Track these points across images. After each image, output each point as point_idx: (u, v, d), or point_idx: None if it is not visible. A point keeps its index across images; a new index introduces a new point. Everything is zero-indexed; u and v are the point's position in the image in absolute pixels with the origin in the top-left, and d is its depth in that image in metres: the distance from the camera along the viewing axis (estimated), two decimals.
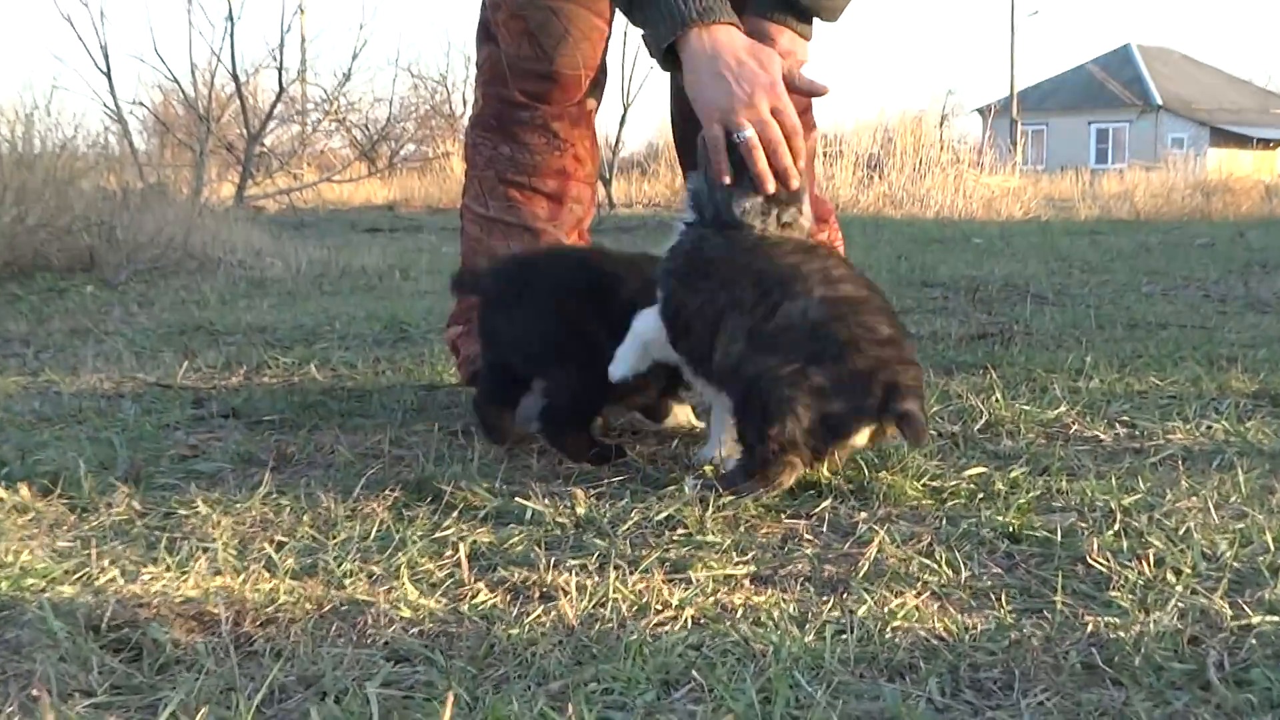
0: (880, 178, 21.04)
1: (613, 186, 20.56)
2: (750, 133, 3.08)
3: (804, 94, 3.42)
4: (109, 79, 17.53)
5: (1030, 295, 7.20)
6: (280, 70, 19.31)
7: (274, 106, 20.02)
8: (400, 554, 2.49)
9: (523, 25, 3.82)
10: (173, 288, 7.93)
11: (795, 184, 3.07)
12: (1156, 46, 67.34)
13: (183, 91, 18.95)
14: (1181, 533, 2.58)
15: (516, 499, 2.85)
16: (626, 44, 22.28)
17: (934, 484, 2.97)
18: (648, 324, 3.05)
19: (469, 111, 4.14)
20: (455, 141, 29.59)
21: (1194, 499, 2.84)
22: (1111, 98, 62.84)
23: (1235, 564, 2.41)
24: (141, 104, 21.29)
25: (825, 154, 21.48)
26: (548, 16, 3.79)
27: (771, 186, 3.05)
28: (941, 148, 22.33)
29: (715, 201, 3.05)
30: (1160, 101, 61.15)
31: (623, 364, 3.09)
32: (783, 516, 2.77)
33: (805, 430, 2.77)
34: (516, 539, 2.60)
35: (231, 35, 20.21)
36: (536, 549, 2.54)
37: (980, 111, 53.43)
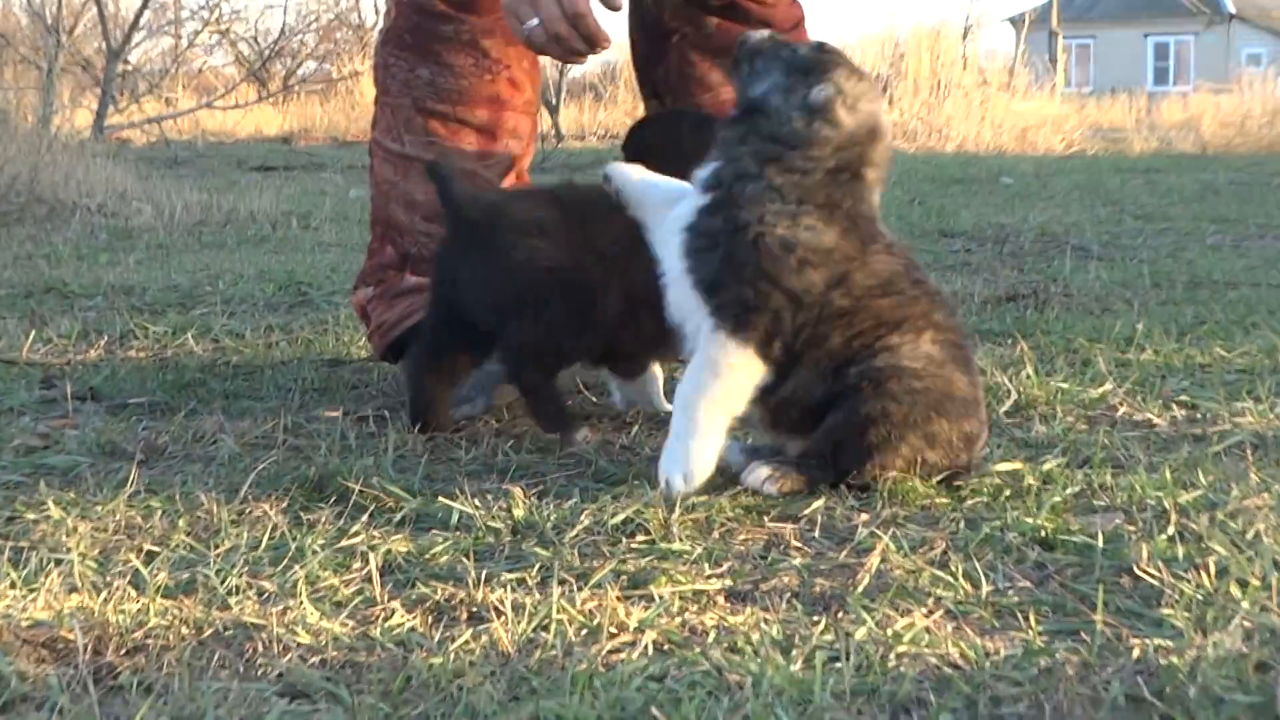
0: (890, 104, 21.05)
1: (560, 115, 20.54)
2: (534, 21, 3.36)
3: None
4: None
5: (1071, 248, 7.25)
6: None
7: (139, 14, 19.95)
8: (298, 566, 2.50)
9: None
10: (16, 239, 7.91)
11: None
12: None
13: None
14: (1249, 537, 2.61)
15: (440, 499, 2.87)
16: None
17: (951, 480, 2.99)
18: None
19: (380, 23, 4.11)
20: (365, 59, 29.45)
21: (1265, 496, 2.87)
22: (1173, 4, 63.05)
23: None
24: None
25: None
26: None
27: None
28: (964, 66, 22.37)
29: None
30: (1232, 8, 61.41)
31: (703, 461, 2.95)
32: (765, 519, 2.80)
33: (898, 467, 2.95)
34: (440, 548, 2.62)
35: None
36: (464, 560, 2.56)
37: (1012, 22, 53.53)
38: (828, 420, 2.94)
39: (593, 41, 3.41)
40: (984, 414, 3.04)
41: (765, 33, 3.11)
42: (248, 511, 2.84)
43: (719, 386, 2.91)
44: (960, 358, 3.00)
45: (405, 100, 3.89)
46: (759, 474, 2.97)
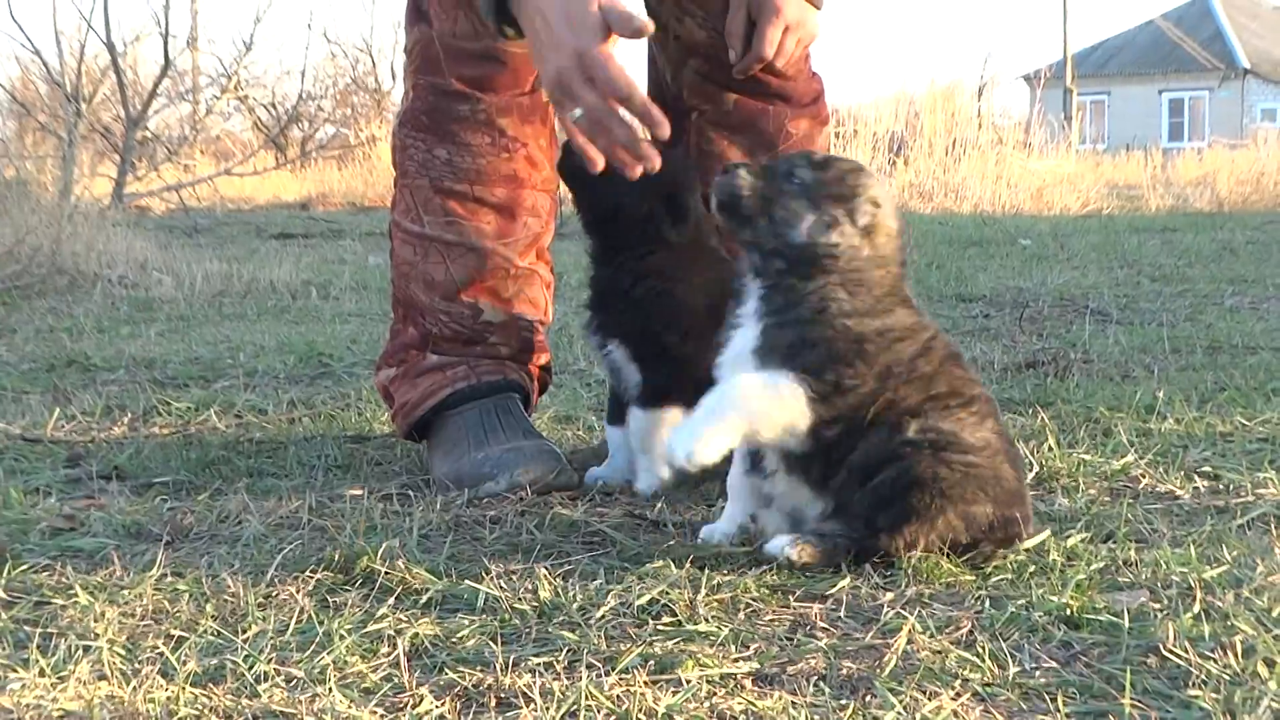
0: (905, 164, 21.11)
1: None
2: (579, 112, 3.31)
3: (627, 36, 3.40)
4: None
5: (1090, 312, 7.27)
6: (166, 38, 19.35)
7: (159, 82, 20.06)
8: (326, 652, 2.51)
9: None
10: (38, 311, 7.96)
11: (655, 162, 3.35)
12: None
13: (45, 64, 18.98)
14: (1275, 614, 2.62)
15: (466, 581, 2.87)
16: None
17: (974, 557, 2.99)
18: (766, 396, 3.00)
19: (398, 85, 4.15)
20: (383, 123, 29.60)
21: None
22: (1187, 60, 63.17)
23: None
24: None
25: (839, 135, 21.52)
26: None
27: (601, 164, 3.33)
28: (979, 125, 22.41)
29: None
30: (1246, 64, 61.49)
31: (711, 448, 2.94)
32: (791, 599, 2.81)
33: (931, 539, 2.97)
34: (467, 631, 2.63)
35: None
36: (491, 644, 2.56)
37: (1027, 79, 53.69)
38: (877, 477, 2.95)
39: (652, 121, 3.34)
40: (1029, 507, 3.06)
41: (743, 175, 3.11)
42: (274, 594, 2.85)
43: (763, 408, 2.93)
44: (1012, 454, 3.05)
45: (423, 181, 3.90)
46: (779, 541, 2.97)
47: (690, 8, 3.95)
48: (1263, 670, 2.37)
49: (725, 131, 4.01)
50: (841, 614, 2.72)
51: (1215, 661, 2.41)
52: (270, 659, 2.48)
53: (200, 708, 2.28)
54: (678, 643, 2.55)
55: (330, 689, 2.36)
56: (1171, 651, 2.45)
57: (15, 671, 2.45)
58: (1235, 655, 2.42)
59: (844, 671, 2.44)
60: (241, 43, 22.50)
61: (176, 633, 2.63)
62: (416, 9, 3.93)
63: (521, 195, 3.91)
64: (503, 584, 2.86)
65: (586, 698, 2.30)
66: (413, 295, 3.92)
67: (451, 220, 3.88)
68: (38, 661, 2.47)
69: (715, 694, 2.35)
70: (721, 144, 4.00)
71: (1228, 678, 2.35)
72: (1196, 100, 62.23)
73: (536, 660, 2.48)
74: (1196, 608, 2.66)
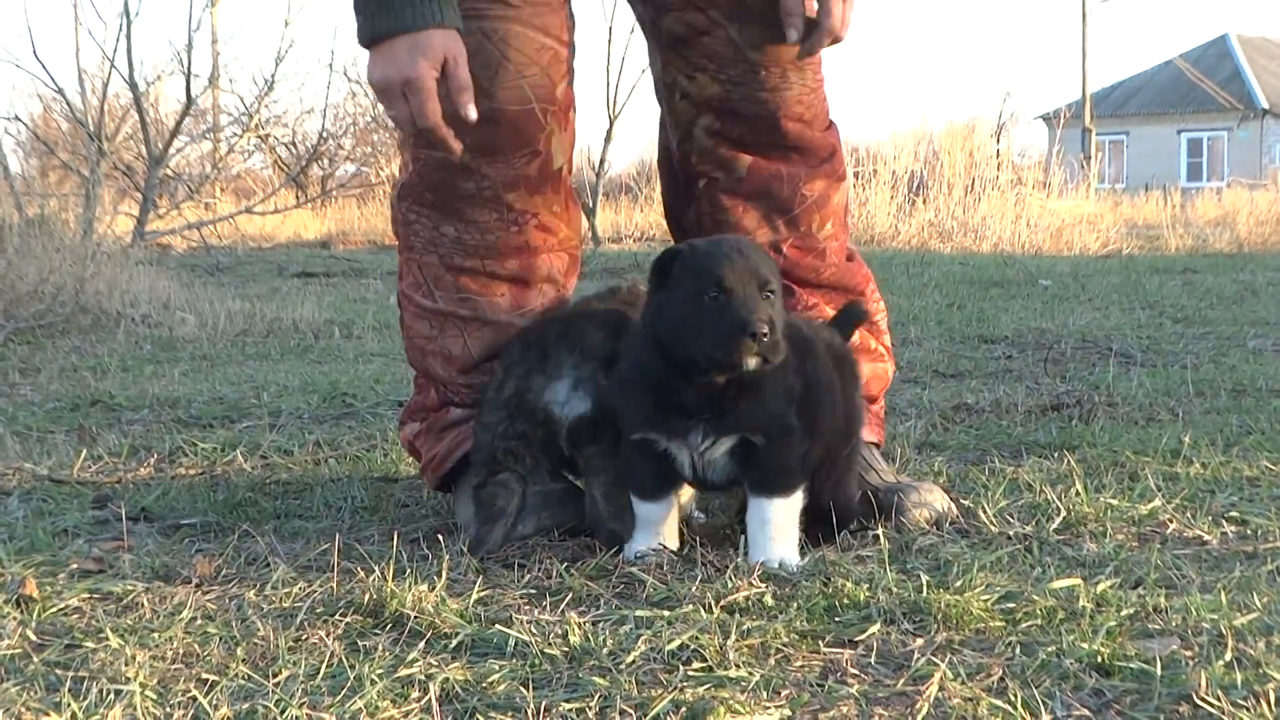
0: (925, 203, 21.11)
1: (597, 218, 20.64)
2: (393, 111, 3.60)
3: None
4: None
5: (1113, 353, 7.26)
6: (188, 77, 19.38)
7: (181, 121, 20.08)
8: (357, 697, 2.51)
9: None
10: (61, 351, 7.98)
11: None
12: (1260, 37, 67.72)
13: (68, 103, 19.01)
14: None
15: (496, 625, 2.88)
16: (612, 46, 22.29)
17: (1004, 602, 2.99)
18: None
19: (397, 175, 4.08)
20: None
21: None
22: (1206, 99, 63.16)
23: None
24: (17, 119, 21.24)
25: (857, 175, 21.56)
26: (479, 42, 3.69)
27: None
28: (999, 165, 22.42)
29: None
30: (1265, 104, 61.47)
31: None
32: (821, 644, 2.80)
33: None
34: (497, 676, 2.63)
35: (128, 34, 20.29)
36: (522, 689, 2.56)
37: (1045, 119, 53.72)
38: None
39: (448, 148, 3.61)
40: None
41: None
42: (304, 638, 2.85)
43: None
44: None
45: (432, 257, 3.85)
46: None
47: (701, 62, 3.86)
48: None
49: (739, 198, 3.93)
50: (872, 660, 2.72)
51: (1249, 710, 2.40)
52: (302, 703, 2.49)
53: None
54: (709, 689, 2.55)
55: None
56: (1204, 700, 2.45)
57: (47, 716, 2.45)
58: (1269, 704, 2.42)
59: (876, 719, 2.44)
60: (263, 81, 22.53)
61: (208, 676, 2.64)
62: None
63: (535, 263, 3.85)
64: (532, 628, 2.86)
65: None
66: (430, 368, 3.90)
67: (465, 296, 3.83)
68: (69, 705, 2.47)
69: None
70: (736, 211, 3.92)
71: None
72: (1215, 140, 62.20)
73: (568, 706, 2.48)
74: (1228, 655, 2.65)
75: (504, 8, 3.69)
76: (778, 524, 3.37)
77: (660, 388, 3.34)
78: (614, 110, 22.20)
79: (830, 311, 3.93)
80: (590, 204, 20.22)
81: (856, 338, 3.92)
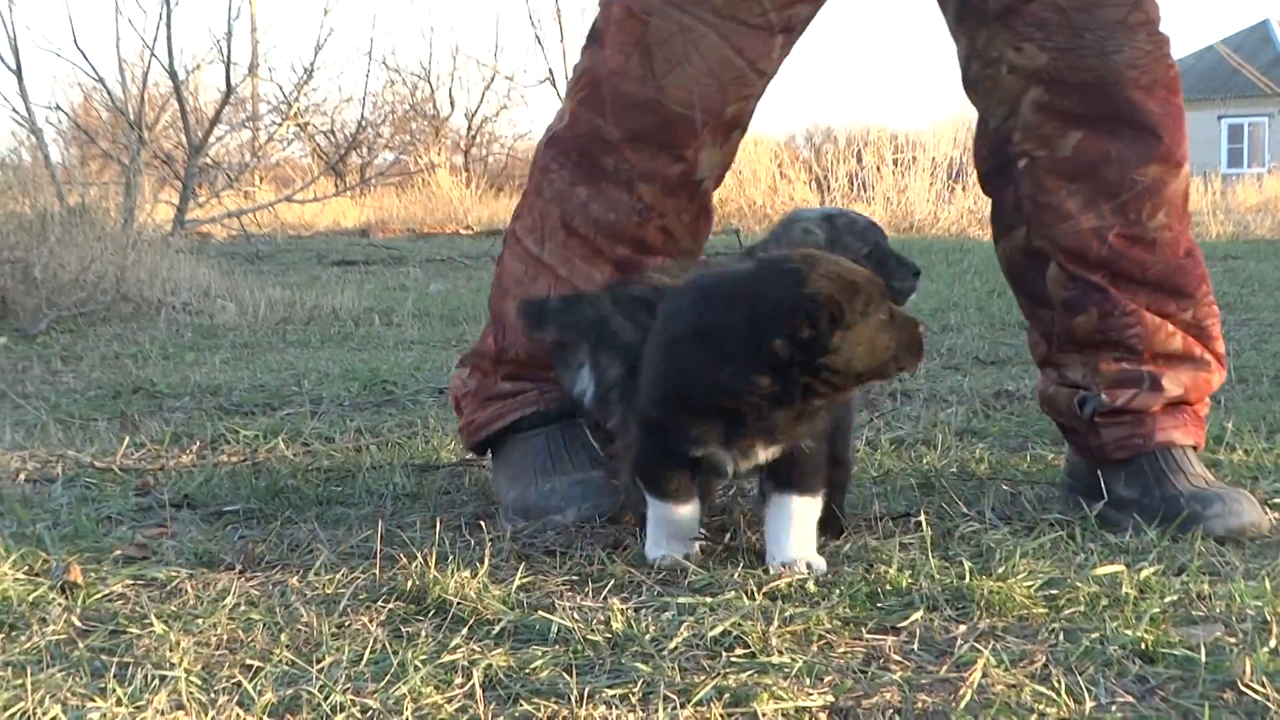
0: (964, 190, 21.04)
1: None
2: None
3: None
4: (19, 78, 17.67)
5: None
6: (228, 65, 19.42)
7: (221, 109, 20.13)
8: (400, 683, 2.51)
9: (639, 32, 3.73)
10: (103, 338, 8.01)
11: None
12: None
13: (108, 92, 19.06)
14: None
15: (538, 611, 2.88)
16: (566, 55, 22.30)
17: (1047, 589, 2.99)
18: None
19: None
20: (441, 150, 29.72)
21: None
22: (1247, 85, 62.80)
23: None
24: (59, 108, 21.30)
25: (896, 161, 21.54)
26: (671, 33, 3.69)
27: None
28: None
29: None
30: None
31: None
32: (864, 630, 2.80)
33: None
34: (540, 662, 2.63)
35: (168, 23, 20.33)
36: (565, 675, 2.56)
37: None
38: None
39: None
40: None
41: None
42: (347, 624, 2.86)
43: None
44: None
45: (555, 211, 3.85)
46: None
47: (1028, 31, 3.69)
48: None
49: (1062, 179, 3.73)
50: (915, 647, 2.71)
51: None
52: (346, 689, 2.49)
53: None
54: (751, 675, 2.55)
55: (406, 719, 2.36)
56: (1249, 686, 2.44)
57: (93, 701, 2.46)
58: None
59: (919, 705, 2.43)
60: (302, 70, 22.56)
61: (252, 662, 2.64)
62: (593, 33, 3.85)
63: (644, 261, 3.81)
64: (575, 615, 2.86)
65: None
66: (504, 312, 3.90)
67: (568, 258, 3.82)
68: (114, 691, 2.48)
69: None
70: (1060, 194, 3.74)
71: None
72: (1256, 126, 61.83)
73: (611, 692, 2.48)
74: (1273, 642, 2.64)
75: (709, 14, 3.67)
76: (803, 522, 3.28)
77: (736, 406, 3.14)
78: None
79: (1151, 317, 3.71)
80: None
81: (1180, 343, 3.75)
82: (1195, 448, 3.78)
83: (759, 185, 22.08)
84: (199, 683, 2.54)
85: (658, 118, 3.73)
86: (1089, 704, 2.41)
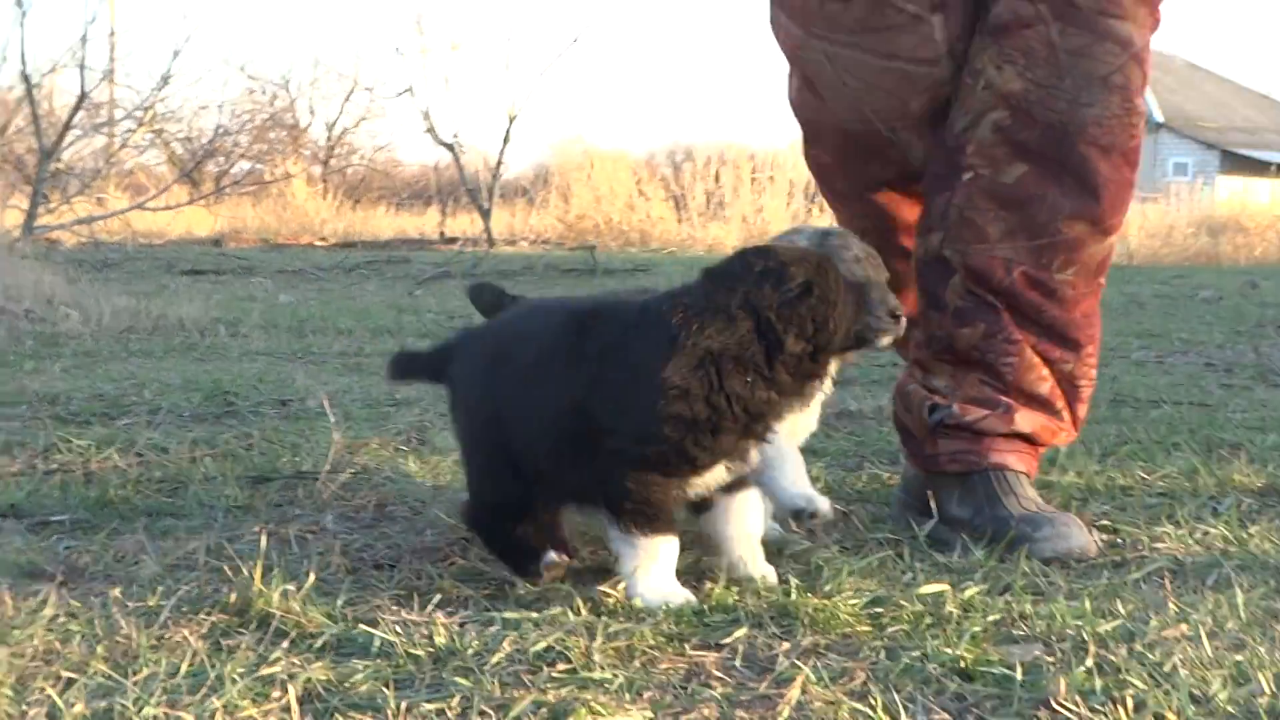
0: (820, 210, 21.19)
1: (491, 219, 20.61)
2: None
3: None
4: None
5: None
6: (82, 69, 19.24)
7: (74, 114, 19.93)
8: (215, 696, 2.49)
9: (800, 67, 3.96)
10: None
11: None
12: (1156, 52, 68.00)
13: None
14: (1167, 669, 2.63)
15: (361, 625, 2.86)
16: (510, 50, 22.32)
17: (872, 607, 3.01)
18: None
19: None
20: (298, 160, 29.54)
21: (1183, 626, 2.89)
22: None
23: (1229, 708, 2.47)
24: None
25: (754, 181, 21.66)
26: (821, 64, 3.87)
27: None
28: None
29: None
30: (1160, 118, 61.97)
31: None
32: (687, 647, 2.80)
33: None
34: (360, 676, 2.61)
35: (21, 25, 20.15)
36: (384, 689, 2.55)
37: None
38: None
39: None
40: None
41: None
42: (167, 636, 2.83)
43: None
44: None
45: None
46: None
47: (1013, 54, 3.72)
48: None
49: (994, 203, 3.77)
50: (737, 663, 2.72)
51: (1106, 716, 2.42)
52: (160, 702, 2.46)
53: None
54: (571, 690, 2.54)
55: None
56: (1062, 705, 2.47)
57: None
58: (1125, 710, 2.43)
59: None
60: (159, 76, 22.37)
61: (66, 674, 2.60)
62: None
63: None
64: (398, 629, 2.84)
65: None
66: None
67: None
68: None
69: None
70: (987, 215, 3.77)
71: None
72: None
73: (429, 706, 2.47)
74: (1089, 661, 2.67)
75: (845, 35, 3.78)
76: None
77: (746, 409, 3.07)
78: (512, 111, 22.19)
79: (1031, 356, 3.78)
80: (485, 205, 20.16)
81: (1048, 389, 3.81)
82: (1028, 475, 3.82)
83: (616, 202, 22.15)
84: (10, 695, 2.50)
85: (846, 137, 3.94)
86: None
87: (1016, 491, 3.73)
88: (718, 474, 3.13)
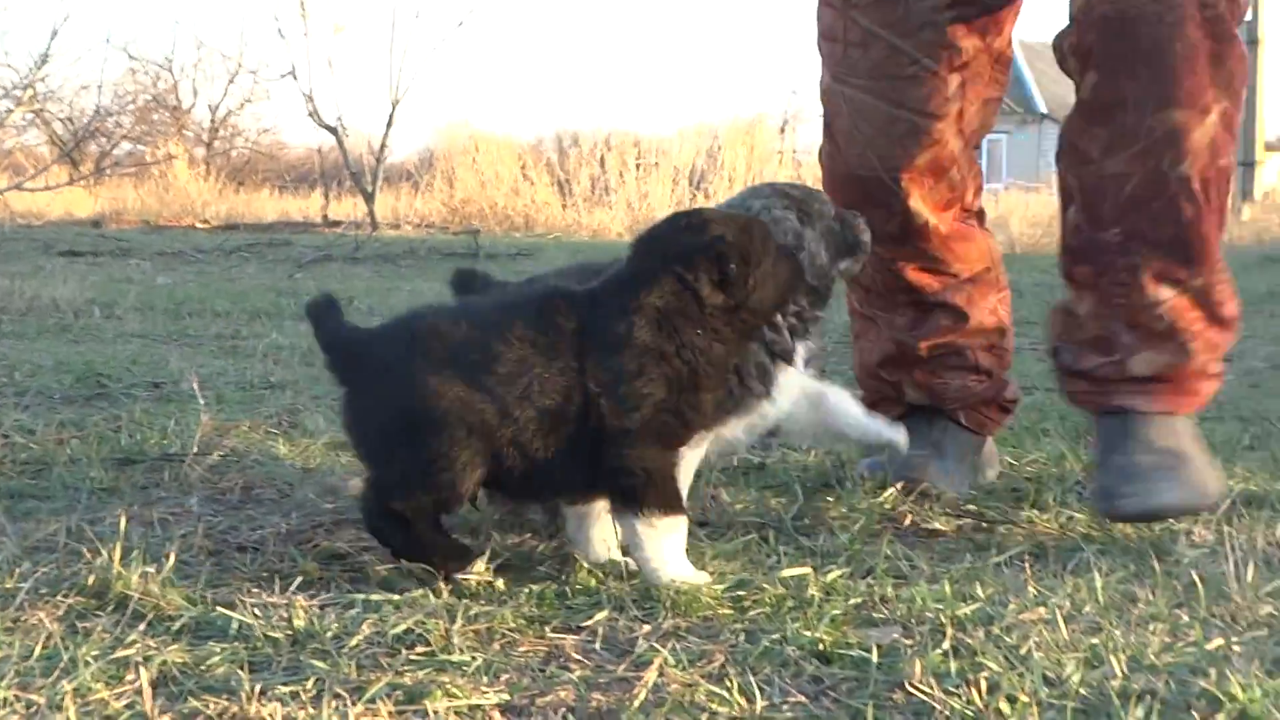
0: (706, 197, 21.22)
1: (376, 202, 20.50)
2: None
3: None
4: None
5: None
6: None
7: None
8: (68, 679, 2.46)
9: (823, 112, 4.04)
10: None
11: None
12: (1041, 43, 68.64)
13: None
14: (1023, 652, 2.66)
15: (219, 608, 2.84)
16: (395, 27, 22.25)
17: (734, 590, 3.02)
18: None
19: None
20: (180, 141, 29.29)
21: (1041, 609, 2.92)
22: None
23: (1081, 690, 2.49)
24: None
25: (639, 166, 21.67)
26: (839, 107, 3.97)
27: None
28: (781, 160, 22.62)
29: None
30: (1045, 109, 62.45)
31: None
32: (547, 630, 2.81)
33: None
34: (217, 658, 2.60)
35: None
36: (240, 671, 2.54)
37: None
38: None
39: None
40: None
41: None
42: (23, 619, 2.80)
43: None
44: None
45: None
46: None
47: None
48: (1004, 706, 2.41)
49: (1084, 121, 3.69)
50: (597, 646, 2.73)
51: (959, 698, 2.44)
52: (11, 685, 2.44)
53: None
54: (429, 673, 2.54)
55: (69, 717, 2.32)
56: (916, 687, 2.49)
57: None
58: (979, 692, 2.45)
59: (593, 704, 2.45)
60: (38, 55, 22.10)
61: None
62: None
63: (924, 298, 4.13)
64: (257, 611, 2.83)
65: None
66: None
67: (873, 310, 4.24)
68: None
69: None
70: (1084, 138, 3.69)
71: (970, 714, 2.39)
72: (994, 143, 63.02)
73: (284, 689, 2.46)
74: (946, 644, 2.69)
75: (863, 79, 3.88)
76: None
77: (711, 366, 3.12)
78: (396, 95, 22.07)
79: (1149, 290, 3.59)
80: (369, 189, 20.06)
81: (1167, 323, 3.63)
82: (1168, 413, 3.65)
83: (501, 187, 22.09)
84: None
85: (853, 186, 3.95)
86: (761, 703, 2.45)
87: (1136, 436, 3.60)
88: (702, 446, 3.25)
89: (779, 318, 3.32)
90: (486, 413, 3.02)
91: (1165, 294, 3.59)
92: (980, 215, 4.19)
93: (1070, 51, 3.67)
